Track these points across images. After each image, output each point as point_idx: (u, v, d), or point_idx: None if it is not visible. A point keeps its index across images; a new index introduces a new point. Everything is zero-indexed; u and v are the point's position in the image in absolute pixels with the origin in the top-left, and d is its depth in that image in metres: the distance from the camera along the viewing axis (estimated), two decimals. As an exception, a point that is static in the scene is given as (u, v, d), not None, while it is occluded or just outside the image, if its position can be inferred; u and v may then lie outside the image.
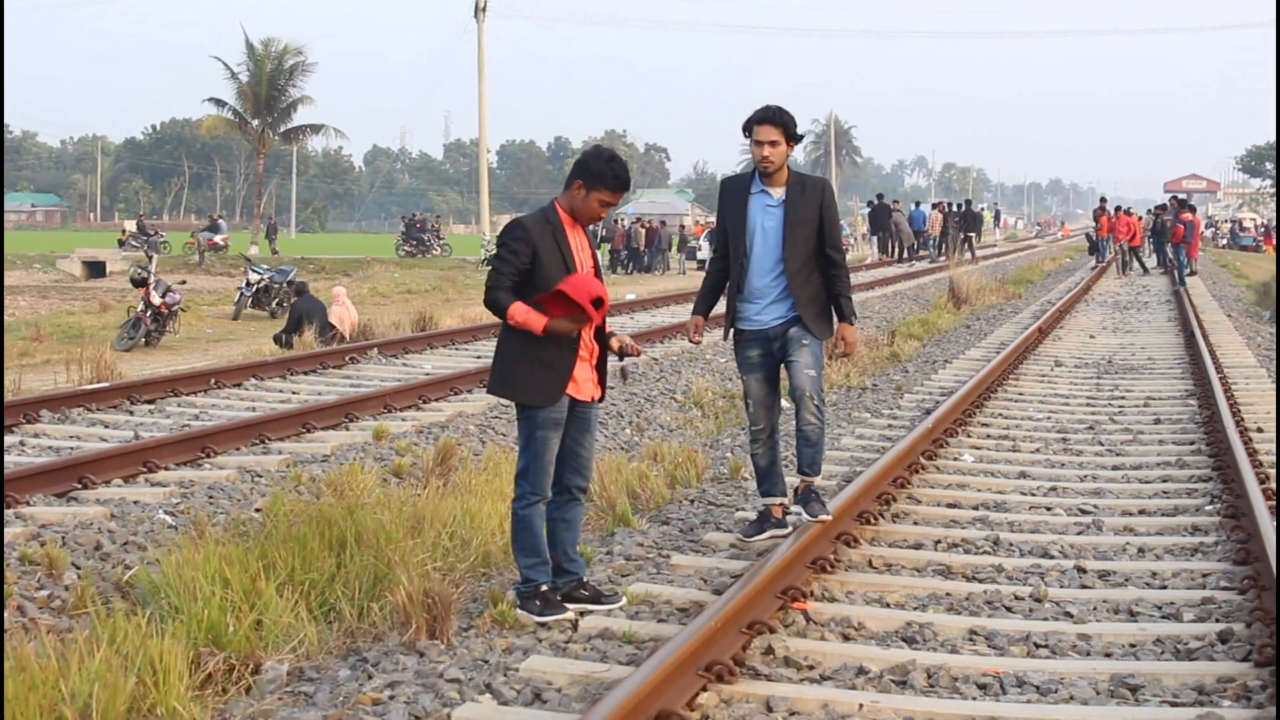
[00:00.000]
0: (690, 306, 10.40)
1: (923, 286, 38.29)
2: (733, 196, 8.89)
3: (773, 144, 8.58)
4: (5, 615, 7.62)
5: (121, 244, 67.22)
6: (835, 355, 9.53)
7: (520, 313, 7.51)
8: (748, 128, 8.67)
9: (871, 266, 50.82)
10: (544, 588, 7.59)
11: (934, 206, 59.41)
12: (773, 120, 8.59)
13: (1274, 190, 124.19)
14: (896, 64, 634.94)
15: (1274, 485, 8.55)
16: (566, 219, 7.71)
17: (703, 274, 9.73)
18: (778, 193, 8.73)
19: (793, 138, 8.69)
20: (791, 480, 9.25)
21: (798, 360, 8.72)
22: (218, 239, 66.47)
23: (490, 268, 7.69)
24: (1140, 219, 48.44)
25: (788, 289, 8.70)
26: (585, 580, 7.81)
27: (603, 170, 7.63)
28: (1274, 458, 12.59)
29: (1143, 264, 47.40)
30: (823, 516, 8.72)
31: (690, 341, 9.48)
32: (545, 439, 7.61)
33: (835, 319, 8.97)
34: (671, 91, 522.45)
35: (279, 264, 39.64)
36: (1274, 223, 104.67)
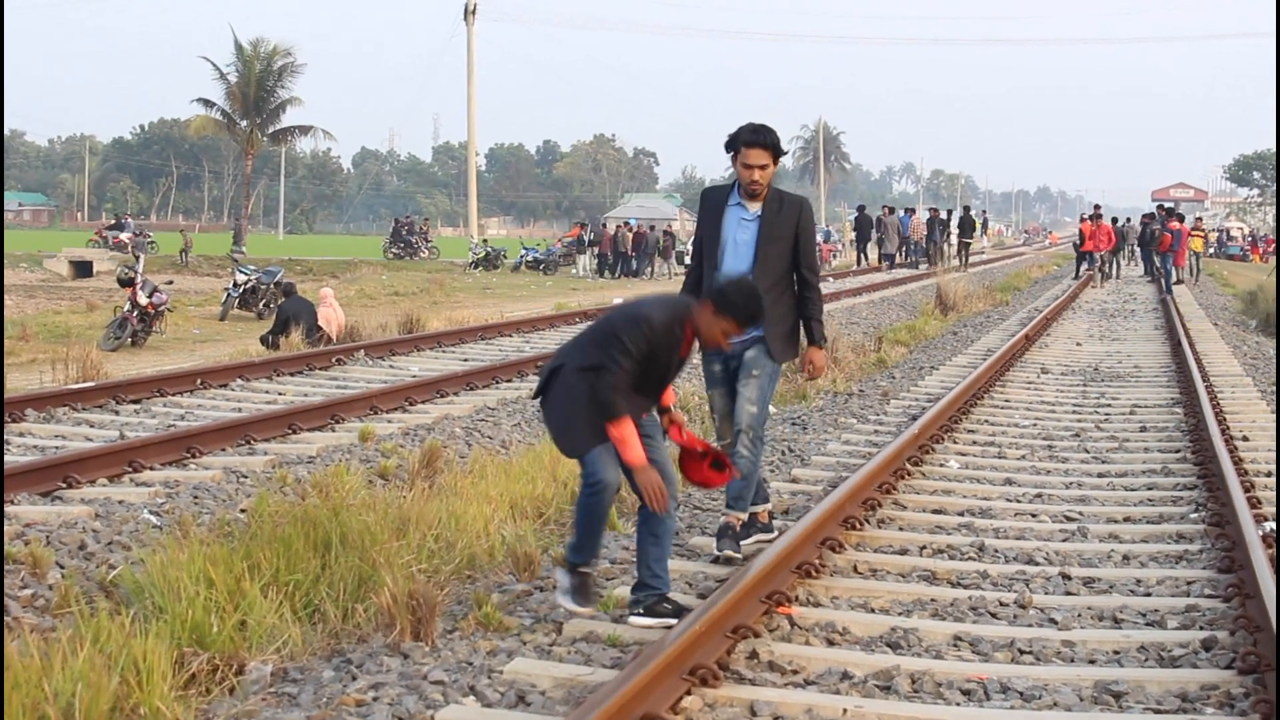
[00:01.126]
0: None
1: (910, 293, 38.33)
2: (712, 206, 8.86)
3: (762, 168, 8.52)
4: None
5: (103, 243, 67.05)
6: (802, 379, 9.46)
7: (629, 434, 7.21)
8: (734, 147, 8.56)
9: (858, 273, 50.91)
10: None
11: (930, 212, 59.43)
12: (764, 144, 8.51)
13: (1260, 200, 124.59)
14: (886, 69, 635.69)
15: (1274, 532, 8.36)
16: (689, 334, 7.45)
17: None
18: (754, 207, 8.68)
19: (779, 157, 8.64)
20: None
21: (744, 392, 8.70)
22: (123, 237, 66.56)
23: (609, 358, 7.20)
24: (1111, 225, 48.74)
25: None
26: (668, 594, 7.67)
27: (738, 304, 7.29)
28: (1261, 467, 12.62)
29: (1112, 271, 47.79)
30: (728, 553, 8.68)
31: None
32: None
33: (805, 341, 8.97)
34: (661, 95, 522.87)
35: (244, 263, 39.55)
36: (1261, 232, 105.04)
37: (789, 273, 8.76)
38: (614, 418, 7.14)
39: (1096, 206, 51.77)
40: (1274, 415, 16.01)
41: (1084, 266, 47.48)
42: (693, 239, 9.37)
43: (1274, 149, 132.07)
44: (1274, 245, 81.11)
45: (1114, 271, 49.06)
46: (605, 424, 7.16)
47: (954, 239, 57.86)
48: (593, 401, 7.21)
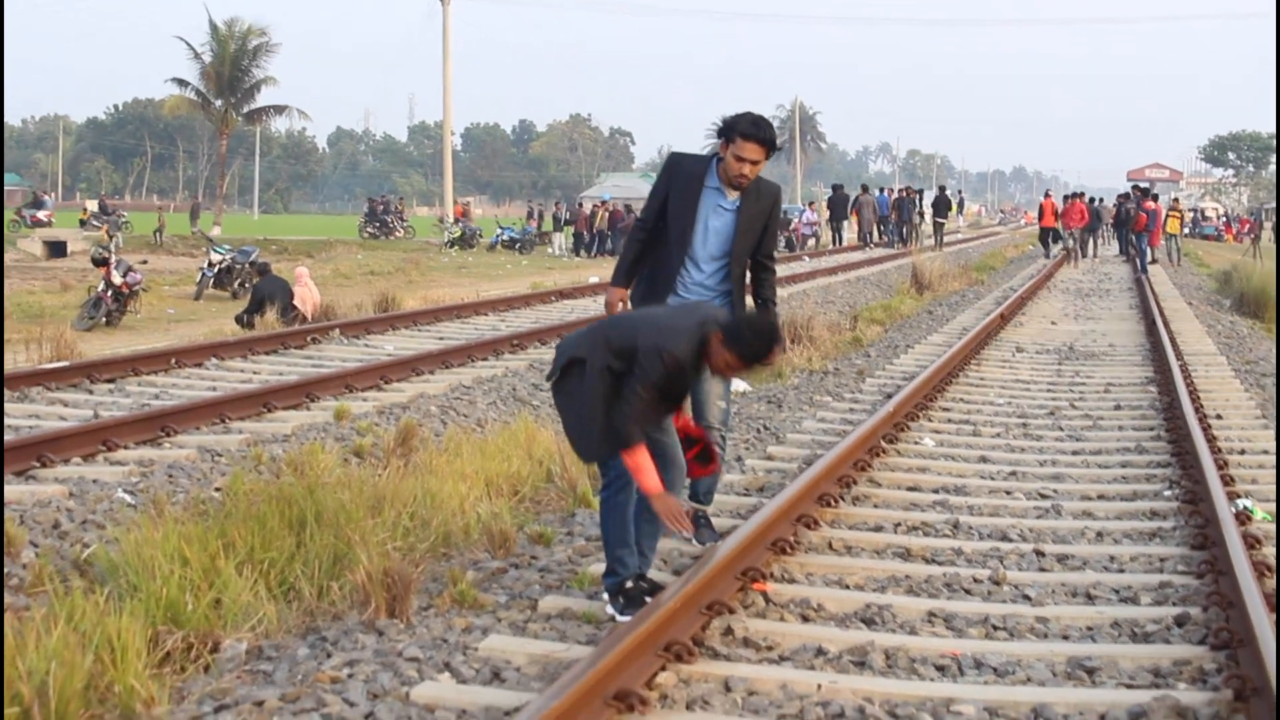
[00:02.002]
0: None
1: (886, 272, 38.37)
2: (685, 180, 8.46)
3: (754, 163, 8.21)
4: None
5: (83, 224, 66.89)
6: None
7: (643, 463, 7.05)
8: (729, 135, 8.20)
9: (834, 252, 50.98)
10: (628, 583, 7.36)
11: (901, 192, 59.33)
12: (763, 140, 8.16)
13: (1235, 180, 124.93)
14: (863, 49, 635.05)
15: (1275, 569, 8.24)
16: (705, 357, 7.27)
17: None
18: (734, 196, 8.38)
19: (772, 153, 8.34)
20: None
21: (713, 387, 8.43)
22: (41, 215, 66.42)
23: (628, 388, 7.03)
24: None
25: (722, 293, 8.47)
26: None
27: (750, 345, 7.07)
28: (1234, 445, 12.67)
29: (1087, 250, 48.14)
30: (710, 543, 8.42)
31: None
32: None
33: None
34: (637, 75, 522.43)
35: (218, 243, 39.38)
36: (1235, 212, 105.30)
37: (750, 258, 8.60)
38: (629, 446, 7.00)
39: (1076, 193, 52.20)
40: (1247, 395, 16.07)
41: (1057, 246, 47.93)
42: (648, 198, 8.75)
43: (1249, 130, 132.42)
44: (1247, 227, 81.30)
45: (1092, 250, 49.35)
46: (620, 450, 7.05)
47: (928, 218, 57.96)
48: (609, 417, 7.08)
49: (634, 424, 6.98)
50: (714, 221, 8.39)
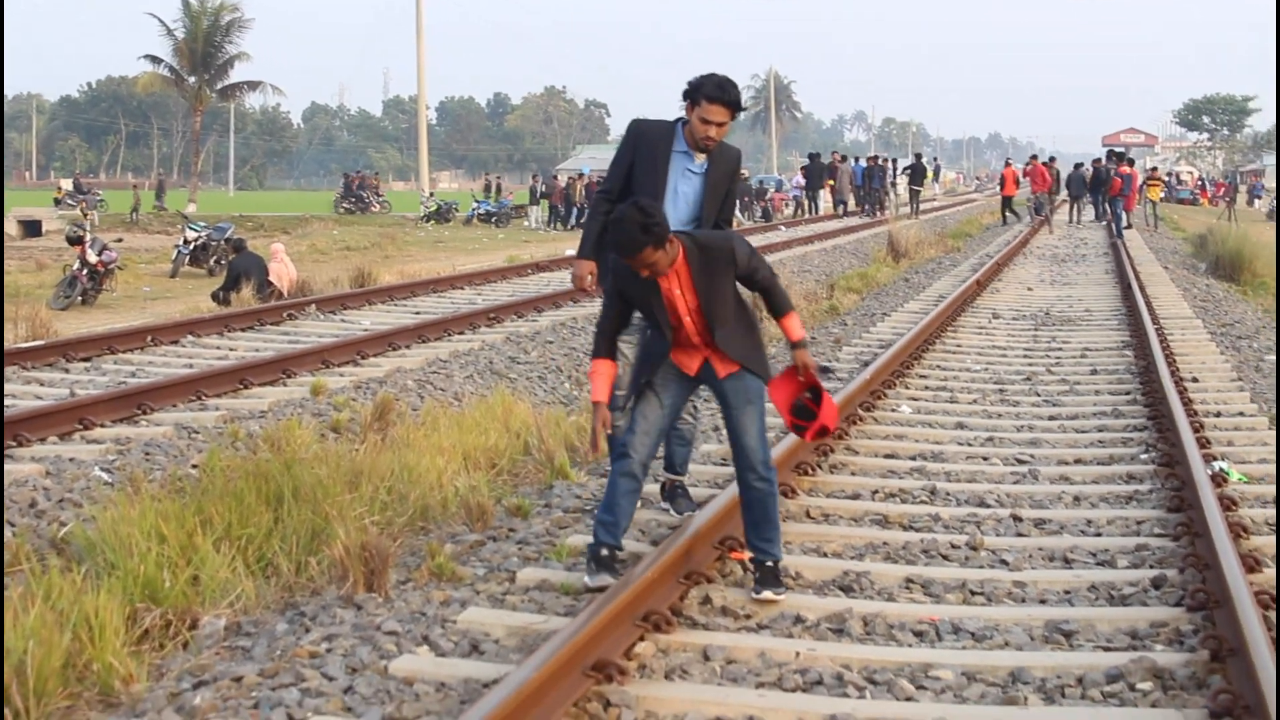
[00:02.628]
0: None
1: (862, 240, 38.37)
2: (650, 146, 8.32)
3: (720, 125, 8.07)
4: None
5: (58, 202, 66.74)
6: None
7: (596, 375, 7.27)
8: (694, 98, 8.05)
9: (811, 221, 50.99)
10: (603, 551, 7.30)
11: (869, 161, 59.08)
12: (728, 102, 8.02)
13: (1210, 144, 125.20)
14: (838, 17, 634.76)
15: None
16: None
17: None
18: (701, 158, 8.26)
19: (737, 114, 8.22)
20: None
21: (744, 423, 8.03)
22: None
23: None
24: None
25: None
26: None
27: (612, 229, 7.06)
28: (1210, 408, 12.71)
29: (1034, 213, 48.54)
30: (688, 512, 8.39)
31: (583, 289, 8.64)
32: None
33: None
34: (612, 47, 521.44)
35: (193, 220, 39.24)
36: (1210, 176, 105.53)
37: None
38: (591, 357, 7.30)
39: (1033, 155, 52.59)
40: (1223, 358, 16.12)
41: (1009, 215, 48.47)
42: (611, 167, 8.57)
43: (1224, 93, 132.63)
44: (1222, 190, 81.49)
45: (1075, 215, 49.53)
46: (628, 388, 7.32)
47: (901, 187, 57.97)
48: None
49: (599, 336, 7.29)
50: (683, 186, 8.27)
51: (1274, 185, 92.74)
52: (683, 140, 8.25)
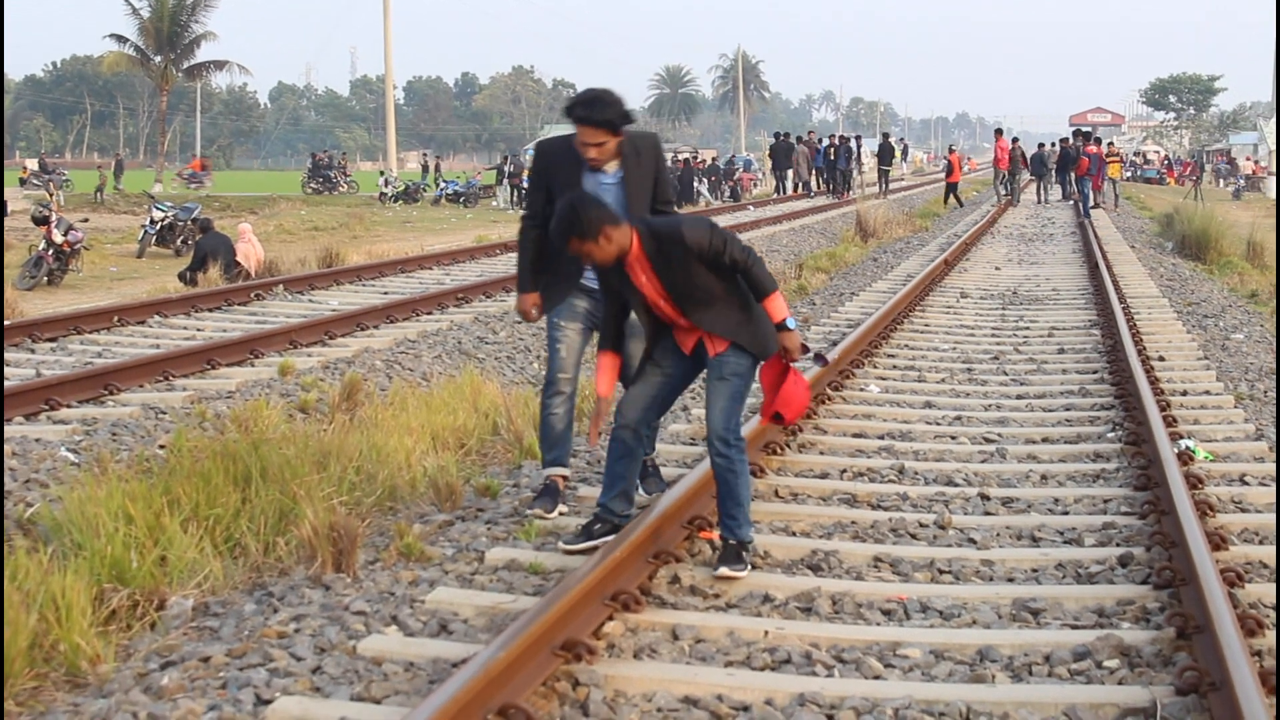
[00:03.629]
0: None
1: (830, 220, 38.42)
2: (559, 166, 8.07)
3: (599, 145, 7.79)
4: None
5: (23, 182, 66.38)
6: None
7: (599, 366, 7.48)
8: (569, 119, 7.83)
9: (778, 201, 51.00)
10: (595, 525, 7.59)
11: (830, 140, 58.71)
12: (597, 122, 7.73)
13: (1176, 123, 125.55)
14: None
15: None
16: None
17: None
18: (612, 168, 7.98)
19: (621, 127, 7.83)
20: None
21: (638, 338, 8.05)
22: None
23: None
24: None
25: None
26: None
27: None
28: (1176, 386, 12.76)
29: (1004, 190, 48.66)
30: (657, 492, 8.27)
31: (529, 321, 8.55)
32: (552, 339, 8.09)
33: None
34: (578, 26, 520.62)
35: (160, 199, 39.06)
36: (1176, 155, 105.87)
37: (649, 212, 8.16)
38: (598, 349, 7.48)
39: (998, 130, 52.49)
40: (1189, 336, 16.18)
41: (950, 198, 48.48)
42: (529, 192, 8.41)
43: (1190, 72, 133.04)
44: (1189, 169, 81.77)
45: (1042, 195, 49.79)
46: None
47: (868, 167, 58.00)
48: None
49: (604, 329, 7.53)
50: (604, 198, 7.78)
51: (1244, 167, 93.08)
52: None
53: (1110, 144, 58.40)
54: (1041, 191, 50.39)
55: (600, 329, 7.49)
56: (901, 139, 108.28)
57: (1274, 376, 13.34)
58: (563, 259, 7.85)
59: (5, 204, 49.59)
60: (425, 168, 72.36)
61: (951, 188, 50.36)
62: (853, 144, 56.88)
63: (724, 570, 7.17)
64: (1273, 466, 9.57)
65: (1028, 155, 51.81)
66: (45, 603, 6.22)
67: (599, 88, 7.85)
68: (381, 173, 67.78)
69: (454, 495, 8.62)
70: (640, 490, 8.31)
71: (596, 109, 7.70)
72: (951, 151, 53.62)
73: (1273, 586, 6.97)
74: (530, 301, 8.29)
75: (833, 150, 54.85)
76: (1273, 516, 8.28)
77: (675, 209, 8.32)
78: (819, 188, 55.87)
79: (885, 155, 57.17)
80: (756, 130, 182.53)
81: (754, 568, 7.39)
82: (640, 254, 7.08)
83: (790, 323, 7.28)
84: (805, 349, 7.48)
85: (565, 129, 8.13)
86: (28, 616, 6.05)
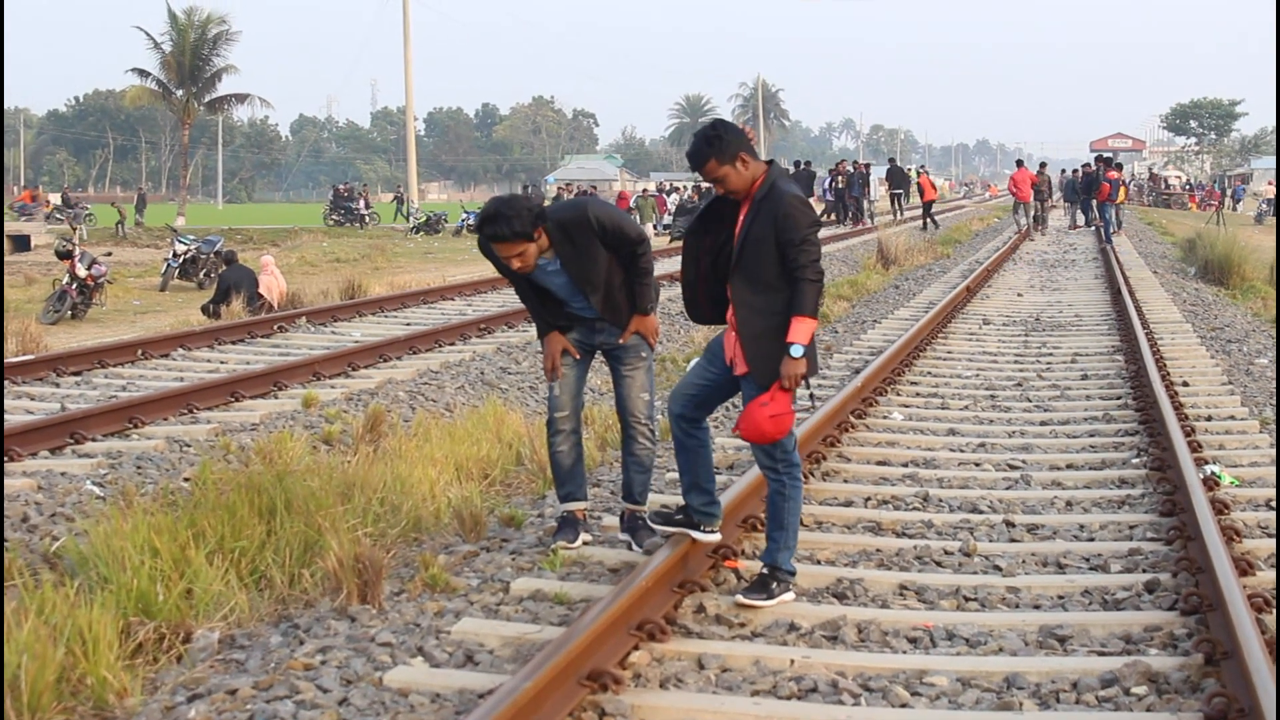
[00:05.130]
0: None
1: (851, 248, 38.40)
2: (503, 266, 7.91)
3: (520, 254, 7.62)
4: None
5: (47, 217, 66.63)
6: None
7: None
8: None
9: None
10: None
11: (836, 167, 58.24)
12: (504, 239, 7.57)
13: (1197, 148, 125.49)
14: (825, 23, 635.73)
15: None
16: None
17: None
18: (550, 255, 7.83)
19: (534, 229, 7.57)
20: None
21: (633, 379, 8.17)
22: None
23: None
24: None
25: (608, 296, 7.99)
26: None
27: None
28: (1201, 412, 12.73)
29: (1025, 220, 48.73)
30: (650, 544, 8.04)
31: (560, 367, 8.19)
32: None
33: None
34: (598, 56, 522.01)
35: (183, 233, 39.17)
36: (1198, 180, 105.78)
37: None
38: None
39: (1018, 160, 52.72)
40: (1213, 361, 16.14)
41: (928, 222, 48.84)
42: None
43: (1211, 97, 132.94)
44: (1216, 198, 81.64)
45: (1074, 220, 49.83)
46: None
47: (877, 194, 57.81)
48: None
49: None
50: (554, 282, 7.95)
51: (1255, 188, 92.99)
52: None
53: (1118, 166, 58.49)
54: (1074, 217, 50.44)
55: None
56: (923, 166, 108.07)
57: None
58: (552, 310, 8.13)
59: (28, 237, 49.93)
60: (399, 199, 73.02)
61: (926, 207, 51.99)
62: (866, 170, 56.55)
63: (740, 598, 7.18)
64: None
65: (1053, 181, 51.91)
66: (72, 636, 6.23)
67: (497, 201, 7.71)
68: (397, 200, 68.01)
69: (478, 526, 8.62)
70: (632, 545, 8.21)
71: (501, 225, 7.52)
72: (923, 172, 54.92)
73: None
74: (558, 341, 8.15)
75: (841, 178, 54.28)
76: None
77: (649, 257, 8.09)
78: (828, 219, 55.18)
79: (896, 179, 56.99)
80: (777, 158, 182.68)
81: (771, 596, 7.34)
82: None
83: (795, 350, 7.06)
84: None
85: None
86: (55, 650, 6.05)
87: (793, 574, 7.35)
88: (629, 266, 7.97)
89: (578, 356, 8.17)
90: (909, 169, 69.27)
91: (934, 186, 53.50)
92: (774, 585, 7.23)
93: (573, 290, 7.94)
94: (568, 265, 7.81)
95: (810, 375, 7.13)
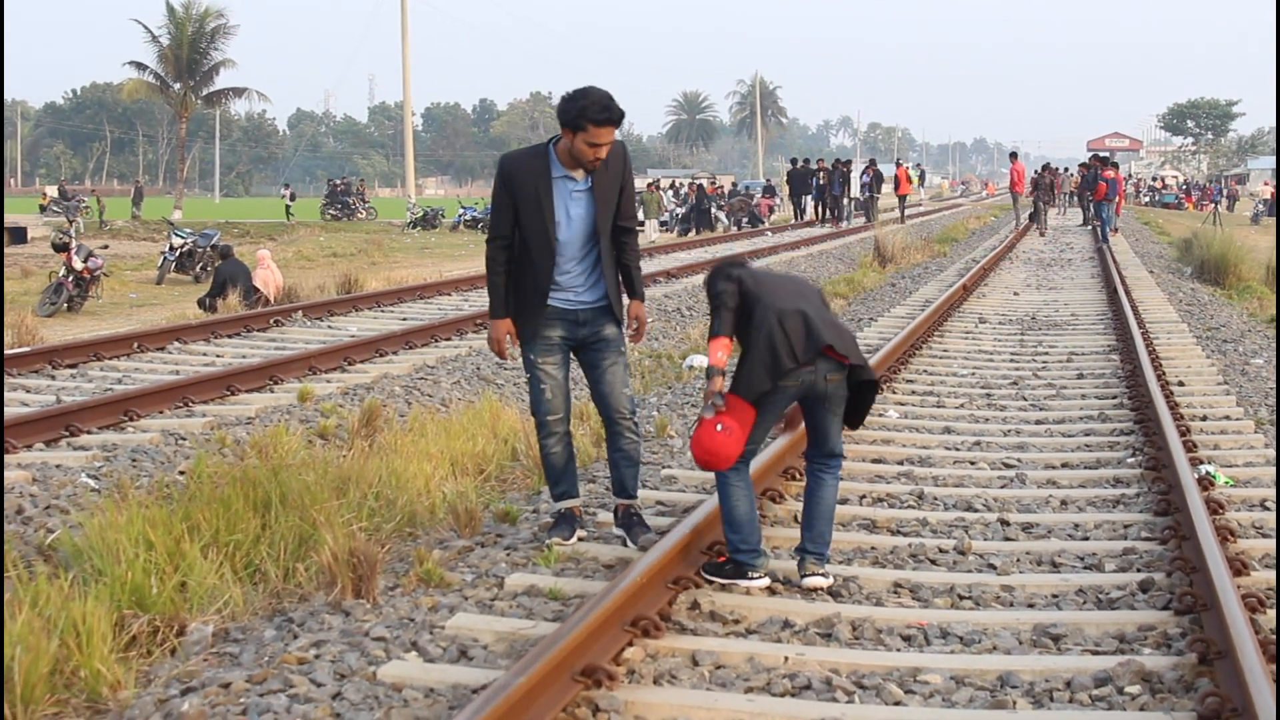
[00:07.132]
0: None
1: (848, 246, 38.42)
2: (527, 180, 7.91)
3: (608, 145, 7.75)
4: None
5: (43, 209, 66.61)
6: (629, 337, 8.36)
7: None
8: (579, 125, 7.65)
9: (797, 227, 50.97)
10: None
11: (818, 164, 57.93)
12: (616, 121, 7.70)
13: (1194, 148, 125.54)
14: (823, 21, 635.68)
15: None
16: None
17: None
18: (581, 175, 7.91)
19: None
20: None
21: (614, 373, 8.15)
22: None
23: None
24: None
25: (600, 272, 8.05)
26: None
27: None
28: (1196, 411, 12.73)
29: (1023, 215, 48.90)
30: (645, 539, 8.03)
31: (500, 354, 8.27)
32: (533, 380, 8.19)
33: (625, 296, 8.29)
34: (596, 51, 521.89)
35: (179, 226, 39.16)
36: (1195, 180, 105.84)
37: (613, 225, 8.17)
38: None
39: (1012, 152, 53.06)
40: (1209, 361, 16.14)
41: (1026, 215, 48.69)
42: (493, 213, 8.14)
43: (1208, 97, 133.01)
44: (1212, 196, 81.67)
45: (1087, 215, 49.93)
46: None
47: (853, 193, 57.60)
48: None
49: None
50: (574, 209, 7.92)
51: (1252, 189, 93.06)
52: (559, 164, 7.93)
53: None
54: (1086, 213, 50.58)
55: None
56: (918, 164, 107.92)
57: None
58: (526, 284, 8.00)
59: (25, 230, 49.89)
60: (291, 196, 73.95)
61: (902, 199, 53.61)
62: (847, 170, 56.00)
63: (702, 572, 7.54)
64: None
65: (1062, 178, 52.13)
66: (66, 629, 6.22)
67: (593, 88, 7.79)
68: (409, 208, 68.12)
69: (473, 521, 8.62)
70: (627, 541, 8.21)
71: (613, 109, 7.68)
72: (899, 165, 55.49)
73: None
74: (504, 329, 8.12)
75: (822, 175, 54.01)
76: (1294, 542, 8.25)
77: (639, 228, 8.35)
78: (815, 217, 54.82)
79: (876, 182, 55.73)
80: (774, 156, 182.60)
81: (774, 593, 7.38)
82: None
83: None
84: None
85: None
86: (49, 642, 6.05)
87: (752, 565, 7.47)
88: (623, 248, 8.16)
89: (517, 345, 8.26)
90: (907, 166, 69.11)
91: (910, 180, 53.94)
92: (728, 568, 7.52)
93: (585, 224, 7.95)
94: (597, 187, 7.93)
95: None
